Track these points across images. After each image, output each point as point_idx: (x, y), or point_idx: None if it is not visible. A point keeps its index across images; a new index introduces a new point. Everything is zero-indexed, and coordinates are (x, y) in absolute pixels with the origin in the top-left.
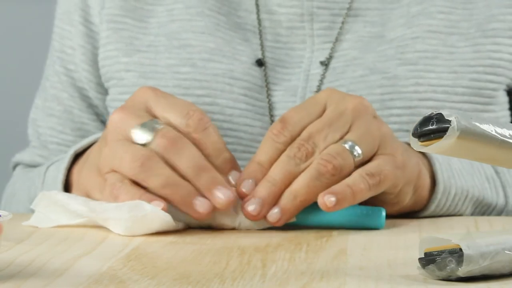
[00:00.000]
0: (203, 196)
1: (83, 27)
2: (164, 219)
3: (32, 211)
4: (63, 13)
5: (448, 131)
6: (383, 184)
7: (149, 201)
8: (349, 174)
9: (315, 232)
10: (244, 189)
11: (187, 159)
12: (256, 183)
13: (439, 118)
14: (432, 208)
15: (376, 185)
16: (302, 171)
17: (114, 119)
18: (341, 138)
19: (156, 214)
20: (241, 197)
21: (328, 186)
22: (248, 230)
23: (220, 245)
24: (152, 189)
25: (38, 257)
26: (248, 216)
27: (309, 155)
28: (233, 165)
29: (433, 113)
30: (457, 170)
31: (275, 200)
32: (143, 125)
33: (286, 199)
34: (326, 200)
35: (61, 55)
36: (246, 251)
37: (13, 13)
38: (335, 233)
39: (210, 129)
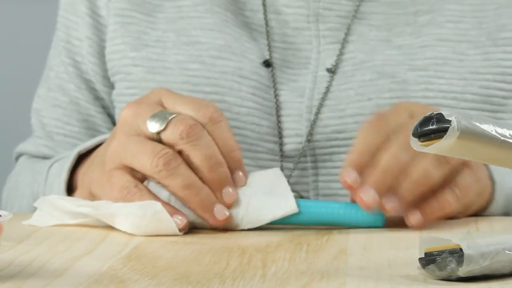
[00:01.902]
0: (221, 203)
1: (90, 18)
2: (170, 224)
3: (33, 210)
4: (68, 3)
5: (448, 131)
6: (468, 197)
7: (170, 215)
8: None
9: (315, 232)
10: (348, 179)
11: (203, 149)
12: (359, 174)
13: (439, 118)
14: (490, 210)
15: (463, 197)
16: (413, 158)
17: (125, 113)
18: None
19: (164, 214)
20: (347, 188)
21: (444, 176)
22: (248, 230)
23: (220, 245)
24: (171, 189)
25: (38, 257)
26: (362, 204)
27: None
28: (239, 165)
29: (433, 113)
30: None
31: (389, 188)
32: (155, 115)
33: (405, 188)
34: (411, 219)
35: (68, 46)
36: (246, 251)
37: (14, 13)
38: (335, 232)
39: (222, 124)
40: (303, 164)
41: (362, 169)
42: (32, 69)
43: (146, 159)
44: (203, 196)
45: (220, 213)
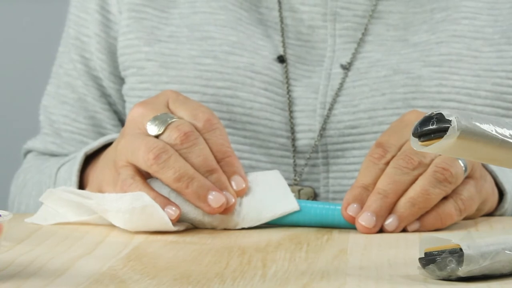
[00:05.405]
0: (216, 190)
1: (99, 15)
2: (162, 218)
3: (35, 210)
4: (79, 0)
5: (449, 131)
6: (471, 209)
7: (163, 206)
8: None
9: (316, 232)
10: (350, 213)
11: (196, 156)
12: (361, 207)
13: (440, 118)
14: (497, 214)
15: (466, 210)
16: (411, 180)
17: (133, 113)
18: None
19: (154, 208)
20: (349, 222)
21: (445, 193)
22: (248, 229)
23: (220, 245)
24: (165, 182)
25: (38, 257)
26: (362, 230)
27: (414, 164)
28: (237, 169)
29: (433, 112)
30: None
31: (389, 211)
32: (156, 118)
33: (403, 207)
34: (409, 228)
35: (77, 42)
36: (246, 251)
37: (14, 13)
38: (335, 232)
39: (216, 131)
40: (314, 160)
41: (363, 203)
42: (32, 69)
43: (140, 154)
44: (195, 187)
45: (215, 200)
